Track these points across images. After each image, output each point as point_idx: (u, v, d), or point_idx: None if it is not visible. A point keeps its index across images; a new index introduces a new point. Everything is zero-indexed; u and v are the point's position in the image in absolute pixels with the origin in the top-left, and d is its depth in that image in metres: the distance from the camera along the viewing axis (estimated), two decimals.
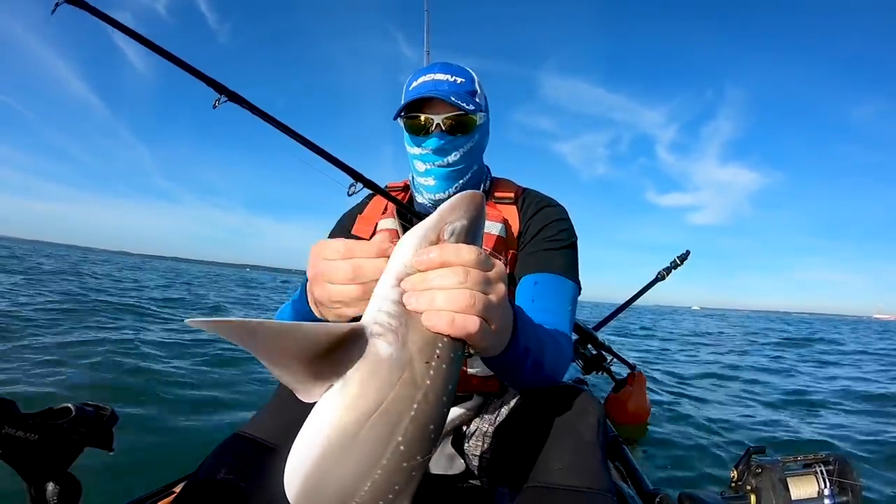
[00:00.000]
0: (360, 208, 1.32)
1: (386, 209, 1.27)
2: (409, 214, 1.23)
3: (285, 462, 0.60)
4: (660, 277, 2.92)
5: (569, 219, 1.25)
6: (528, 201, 1.27)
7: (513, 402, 1.13)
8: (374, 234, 1.22)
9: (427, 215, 0.62)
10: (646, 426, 3.65)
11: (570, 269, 1.16)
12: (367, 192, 1.32)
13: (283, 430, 0.92)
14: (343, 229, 1.29)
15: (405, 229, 1.13)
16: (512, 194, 1.27)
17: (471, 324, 0.53)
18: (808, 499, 1.15)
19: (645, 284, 2.90)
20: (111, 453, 0.88)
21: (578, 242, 1.23)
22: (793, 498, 1.14)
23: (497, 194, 1.27)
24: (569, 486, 0.83)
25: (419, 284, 0.53)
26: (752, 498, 1.15)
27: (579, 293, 1.19)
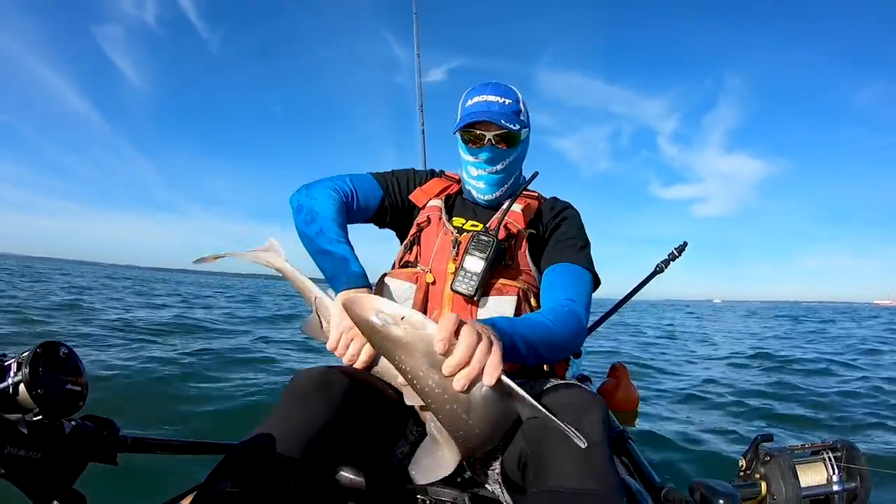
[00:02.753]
0: (421, 181, 1.54)
1: (440, 193, 1.49)
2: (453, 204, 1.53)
3: (293, 473, 0.87)
4: (658, 270, 2.92)
5: (582, 223, 1.46)
6: (552, 202, 1.51)
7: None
8: (424, 206, 1.46)
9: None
10: (636, 413, 3.73)
11: (587, 263, 1.33)
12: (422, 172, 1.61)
13: (289, 440, 0.92)
14: (403, 185, 1.52)
15: (447, 210, 1.43)
16: (537, 194, 1.50)
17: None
18: (817, 485, 1.15)
19: (644, 278, 2.89)
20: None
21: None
22: (802, 485, 1.13)
23: (525, 192, 1.46)
24: (578, 488, 0.83)
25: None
26: (763, 485, 1.15)
27: (597, 285, 1.36)
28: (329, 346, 1.14)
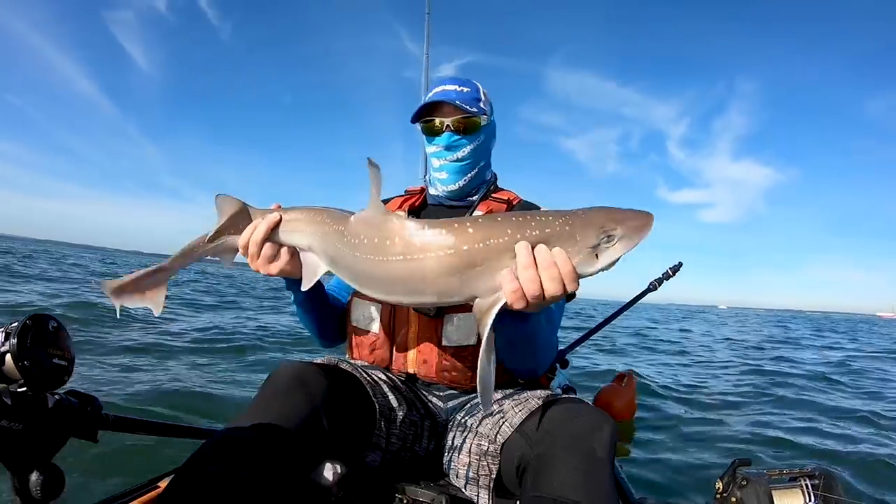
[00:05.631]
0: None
1: (400, 206, 1.45)
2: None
3: (272, 460, 0.87)
4: (651, 288, 2.92)
5: None
6: (525, 209, 1.36)
7: (506, 412, 1.13)
8: None
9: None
10: (631, 424, 3.70)
11: None
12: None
13: (269, 428, 0.93)
14: None
15: None
16: (507, 198, 1.39)
17: None
18: None
19: (636, 294, 2.90)
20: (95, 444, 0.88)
21: None
22: None
23: (494, 195, 1.40)
24: (579, 501, 0.84)
25: None
26: None
27: (571, 296, 1.29)
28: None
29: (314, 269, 1.07)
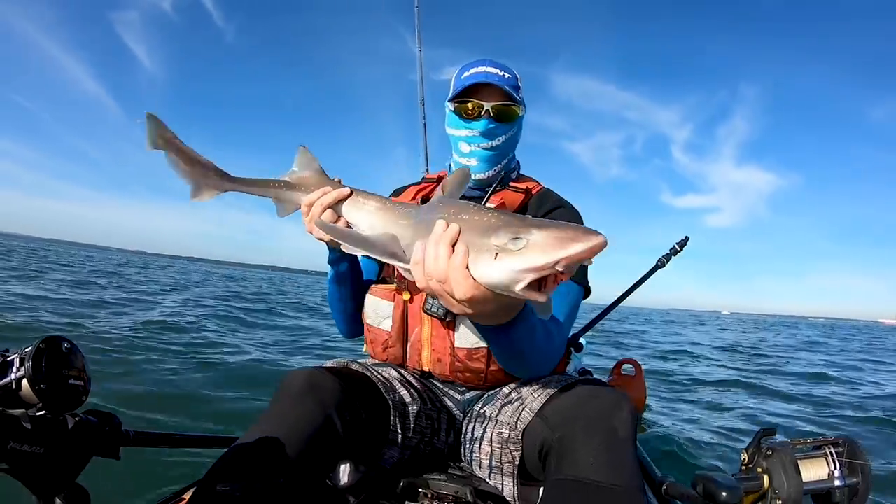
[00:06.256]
0: (396, 194, 1.48)
1: (414, 197, 1.39)
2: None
3: (288, 473, 0.88)
4: (659, 265, 2.90)
5: (581, 221, 1.29)
6: (544, 198, 1.34)
7: (525, 397, 1.12)
8: None
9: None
10: (641, 413, 3.71)
11: (577, 274, 1.17)
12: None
13: (282, 436, 0.93)
14: None
15: None
16: (526, 186, 1.35)
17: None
18: (818, 480, 1.15)
19: (645, 272, 2.88)
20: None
21: None
22: (804, 479, 1.13)
23: (513, 184, 1.36)
24: (603, 482, 0.83)
25: None
26: (765, 479, 1.15)
27: (586, 295, 1.27)
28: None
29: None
